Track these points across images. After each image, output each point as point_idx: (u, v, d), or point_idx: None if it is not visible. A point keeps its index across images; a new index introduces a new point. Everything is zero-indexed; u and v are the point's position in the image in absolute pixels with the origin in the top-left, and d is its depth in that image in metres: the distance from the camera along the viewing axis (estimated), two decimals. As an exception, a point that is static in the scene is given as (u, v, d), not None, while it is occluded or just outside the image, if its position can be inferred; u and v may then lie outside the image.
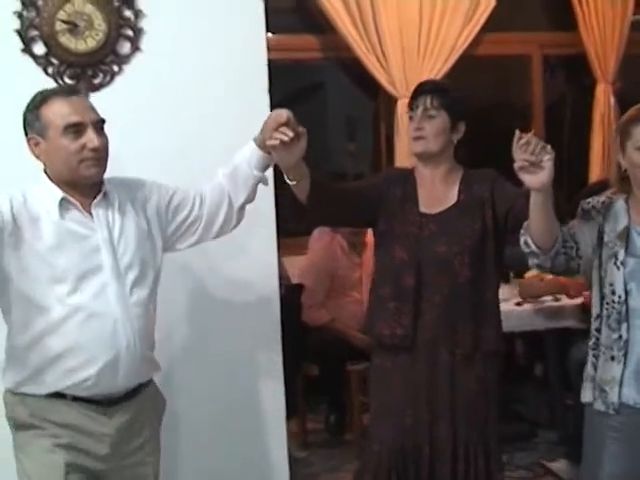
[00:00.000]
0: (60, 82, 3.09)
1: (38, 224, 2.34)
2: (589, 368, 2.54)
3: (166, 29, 3.19)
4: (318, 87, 6.41)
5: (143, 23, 3.17)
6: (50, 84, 3.00)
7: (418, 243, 2.86)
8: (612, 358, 2.46)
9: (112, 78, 3.16)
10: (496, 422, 2.92)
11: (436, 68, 5.22)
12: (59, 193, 2.38)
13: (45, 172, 2.42)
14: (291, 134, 2.45)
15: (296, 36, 5.47)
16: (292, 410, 3.76)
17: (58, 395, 2.39)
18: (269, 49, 3.35)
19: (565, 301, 4.43)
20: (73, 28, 3.08)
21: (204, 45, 3.23)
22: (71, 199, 2.39)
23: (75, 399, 2.39)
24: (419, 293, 2.84)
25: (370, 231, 3.63)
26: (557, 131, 6.05)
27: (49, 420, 2.38)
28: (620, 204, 2.51)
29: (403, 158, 5.06)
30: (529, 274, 4.52)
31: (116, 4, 3.13)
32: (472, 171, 2.95)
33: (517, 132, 2.31)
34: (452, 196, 2.90)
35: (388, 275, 2.91)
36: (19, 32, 3.07)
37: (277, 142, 2.46)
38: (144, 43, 3.18)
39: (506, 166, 2.36)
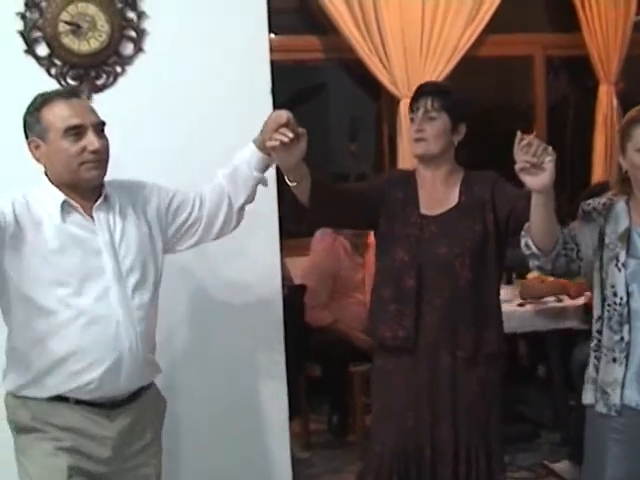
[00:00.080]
0: (63, 83, 3.10)
1: (40, 227, 2.34)
2: (590, 370, 2.54)
3: (169, 30, 3.20)
4: (320, 88, 6.41)
5: (146, 24, 3.18)
6: (53, 85, 3.00)
7: (419, 245, 2.86)
8: (614, 360, 2.46)
9: (115, 79, 3.16)
10: (498, 423, 2.92)
11: (438, 69, 5.22)
12: (61, 196, 2.37)
13: (46, 175, 2.42)
14: (291, 135, 2.45)
15: (299, 37, 5.48)
16: (295, 411, 3.76)
17: (60, 398, 2.38)
18: (272, 50, 3.35)
19: (568, 302, 4.42)
20: (76, 29, 3.08)
21: (207, 46, 3.23)
22: (72, 202, 2.38)
23: (77, 402, 2.39)
24: (420, 295, 2.84)
25: (372, 232, 3.63)
26: (560, 132, 6.05)
27: (51, 423, 2.38)
28: (621, 205, 2.50)
29: (406, 159, 5.06)
30: (531, 275, 4.52)
31: (119, 5, 3.13)
32: (473, 173, 2.95)
33: (518, 134, 2.31)
34: (453, 198, 2.90)
35: (389, 277, 2.91)
36: (22, 33, 3.07)
37: (277, 143, 2.46)
38: (147, 44, 3.18)
39: (508, 167, 2.36)
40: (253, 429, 3.38)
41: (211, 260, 3.20)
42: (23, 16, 3.07)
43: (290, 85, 5.58)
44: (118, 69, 3.16)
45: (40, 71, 3.10)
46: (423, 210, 2.90)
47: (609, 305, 2.47)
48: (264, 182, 2.68)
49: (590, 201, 2.54)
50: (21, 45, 3.08)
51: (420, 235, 2.86)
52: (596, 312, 2.54)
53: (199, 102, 3.22)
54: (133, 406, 2.47)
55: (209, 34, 3.24)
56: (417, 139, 2.90)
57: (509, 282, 4.67)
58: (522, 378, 5.00)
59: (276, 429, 3.41)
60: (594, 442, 2.54)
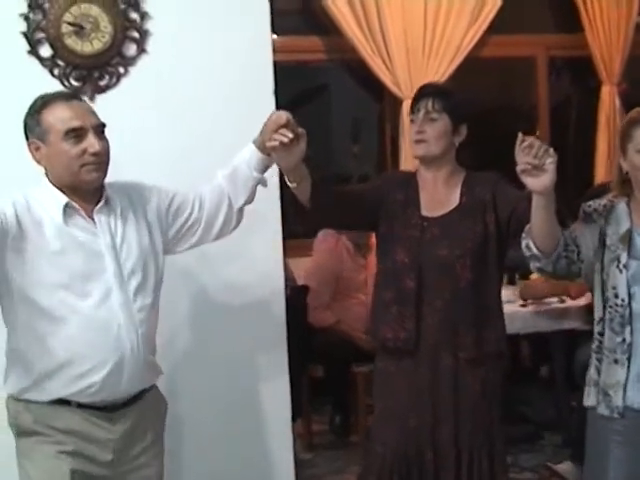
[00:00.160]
0: (66, 84, 3.10)
1: (41, 229, 2.33)
2: (592, 372, 2.53)
3: (172, 31, 3.20)
4: (323, 89, 6.41)
5: (149, 25, 3.18)
6: (56, 86, 3.00)
7: (419, 246, 2.85)
8: (616, 361, 2.46)
9: (118, 80, 3.17)
10: (500, 423, 2.92)
11: (441, 69, 5.22)
12: (63, 198, 2.37)
13: (46, 176, 2.42)
14: (290, 135, 2.45)
15: (301, 38, 5.49)
16: (297, 411, 3.76)
17: (62, 402, 2.38)
18: (274, 51, 3.35)
19: (570, 303, 4.42)
20: (79, 30, 3.08)
21: (210, 47, 3.24)
22: (75, 205, 2.38)
23: (79, 406, 2.38)
24: (420, 296, 2.84)
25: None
26: (562, 133, 6.05)
27: (53, 427, 2.37)
28: (622, 207, 2.50)
29: (408, 160, 5.05)
30: (534, 276, 4.52)
31: (122, 6, 3.14)
32: (474, 174, 2.95)
33: (520, 135, 2.31)
34: (454, 199, 2.90)
35: (389, 278, 2.90)
36: (25, 34, 3.08)
37: (276, 143, 2.46)
38: (150, 45, 3.18)
39: (511, 168, 2.36)
40: (255, 430, 3.38)
41: (214, 261, 3.20)
42: (26, 17, 3.07)
43: (293, 86, 5.58)
44: (121, 70, 3.16)
45: (43, 72, 3.10)
46: (424, 212, 2.90)
47: (610, 307, 2.46)
48: (264, 183, 2.68)
49: (591, 202, 2.53)
50: (24, 46, 3.08)
51: (421, 237, 2.86)
52: (597, 314, 2.53)
53: (202, 103, 3.22)
54: (134, 408, 2.46)
55: (212, 35, 3.24)
56: (417, 140, 2.90)
57: (512, 283, 4.67)
58: (525, 379, 5.00)
59: (279, 430, 3.41)
60: (596, 444, 2.54)
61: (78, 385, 2.36)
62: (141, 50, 3.18)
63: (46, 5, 3.07)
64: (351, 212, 2.93)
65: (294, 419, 3.54)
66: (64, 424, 2.37)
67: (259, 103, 3.17)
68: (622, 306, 2.44)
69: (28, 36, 3.08)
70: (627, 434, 2.45)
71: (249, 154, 2.61)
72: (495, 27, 5.36)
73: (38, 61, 3.10)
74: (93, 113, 2.41)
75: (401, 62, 5.16)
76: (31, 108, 2.40)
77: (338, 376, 4.66)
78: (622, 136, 2.47)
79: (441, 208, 2.89)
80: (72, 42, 3.09)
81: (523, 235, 2.47)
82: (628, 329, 2.43)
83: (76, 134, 2.34)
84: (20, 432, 2.42)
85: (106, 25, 3.11)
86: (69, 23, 3.08)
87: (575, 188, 5.05)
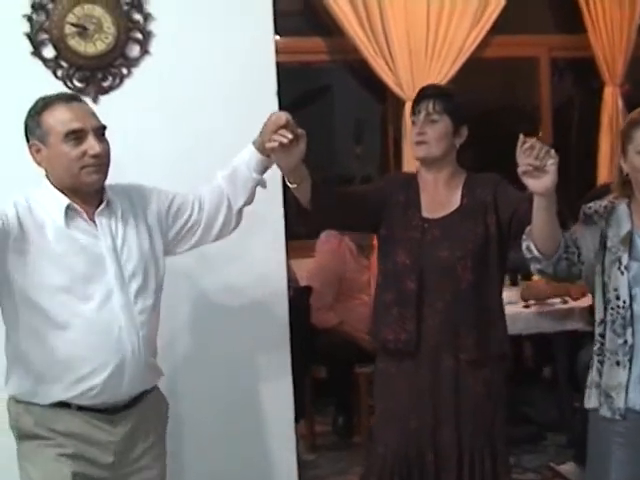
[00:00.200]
0: (69, 85, 3.11)
1: (43, 230, 2.33)
2: (594, 374, 2.53)
3: (175, 32, 3.20)
4: (325, 90, 6.41)
5: (152, 26, 3.18)
6: (59, 87, 3.01)
7: (420, 248, 2.85)
8: (617, 363, 2.45)
9: (121, 81, 3.17)
10: (503, 425, 2.91)
11: (444, 70, 5.22)
12: (64, 200, 2.37)
13: (47, 178, 2.41)
14: (290, 136, 2.45)
15: (304, 39, 5.48)
16: (300, 412, 3.76)
17: (63, 404, 2.37)
18: (277, 52, 3.36)
19: (573, 303, 4.42)
20: (82, 31, 3.09)
21: (213, 48, 3.24)
22: (76, 207, 2.38)
23: (80, 408, 2.38)
24: (421, 298, 2.83)
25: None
26: (565, 134, 6.05)
27: (54, 430, 2.37)
28: (622, 208, 2.49)
29: (411, 161, 5.03)
30: (537, 277, 4.52)
31: (125, 7, 3.14)
32: (475, 175, 2.94)
33: (521, 136, 2.31)
34: (455, 200, 2.89)
35: (390, 280, 2.90)
36: (29, 35, 3.08)
37: (276, 144, 2.46)
38: (153, 46, 3.19)
39: (514, 168, 2.36)
40: (258, 431, 3.38)
41: (217, 262, 3.20)
42: (29, 18, 3.08)
43: (295, 87, 5.58)
44: (124, 71, 3.17)
45: (46, 73, 3.11)
46: (425, 213, 2.89)
47: (612, 308, 2.46)
48: (263, 184, 2.68)
49: (591, 204, 2.53)
50: (28, 47, 3.09)
51: (422, 238, 2.86)
52: (598, 315, 2.53)
53: (205, 104, 3.23)
54: (135, 411, 2.46)
55: (214, 36, 3.24)
56: (418, 142, 2.89)
57: (514, 284, 4.67)
58: (527, 380, 5.00)
59: (282, 431, 3.41)
60: (598, 446, 2.53)
61: (79, 388, 2.36)
62: (144, 51, 3.18)
63: (49, 6, 3.07)
64: (353, 213, 2.93)
65: (297, 420, 3.54)
66: (64, 427, 2.37)
67: (262, 104, 3.17)
68: (624, 308, 2.43)
69: (31, 37, 3.09)
70: (629, 436, 2.45)
71: (248, 155, 2.62)
72: (498, 28, 5.35)
73: (41, 62, 3.10)
74: (94, 115, 2.41)
75: (404, 63, 5.16)
76: (32, 110, 2.40)
77: (341, 377, 4.66)
78: (622, 137, 2.47)
79: (442, 210, 2.89)
80: (75, 43, 3.09)
81: (524, 237, 2.46)
82: (630, 331, 2.43)
83: (76, 136, 2.34)
84: (21, 435, 2.42)
85: (109, 26, 3.11)
86: (72, 24, 3.08)
87: (578, 189, 5.04)
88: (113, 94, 3.16)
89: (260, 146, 2.57)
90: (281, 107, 3.16)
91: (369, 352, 4.17)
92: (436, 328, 2.83)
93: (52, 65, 3.11)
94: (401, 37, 5.14)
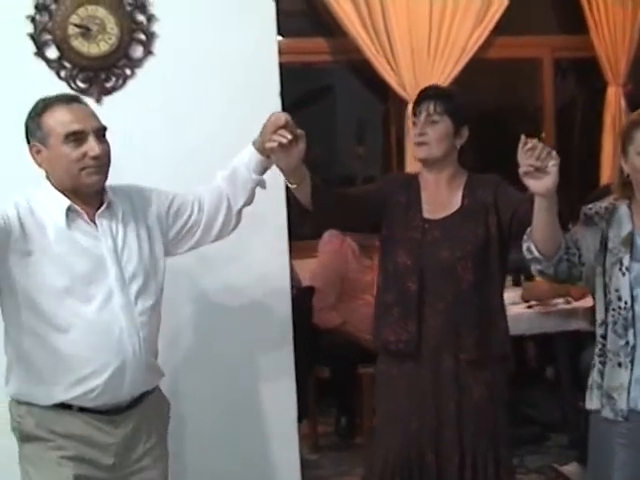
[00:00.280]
0: (73, 86, 3.11)
1: (44, 231, 2.33)
2: (595, 375, 2.53)
3: (178, 33, 3.21)
4: (328, 90, 6.41)
5: (155, 27, 3.19)
6: (63, 88, 3.01)
7: (421, 248, 2.85)
8: (619, 364, 2.45)
9: (124, 82, 3.18)
10: (505, 427, 2.91)
11: (446, 71, 5.22)
12: (65, 201, 2.37)
13: (48, 180, 2.41)
14: (289, 136, 2.46)
15: (306, 39, 5.49)
16: (303, 412, 3.76)
17: (64, 406, 2.37)
18: (280, 52, 3.36)
19: (576, 304, 4.42)
20: (86, 32, 3.09)
21: (216, 49, 3.24)
22: (77, 208, 2.38)
23: (81, 410, 2.38)
24: (422, 299, 2.83)
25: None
26: (568, 134, 6.05)
27: (55, 431, 2.37)
28: (623, 209, 2.49)
29: (413, 161, 4.97)
30: (539, 278, 4.51)
31: (129, 8, 3.15)
32: (476, 176, 2.94)
33: (522, 137, 2.31)
34: (456, 201, 2.89)
35: (391, 281, 2.90)
36: (32, 36, 3.09)
37: (275, 144, 2.47)
38: (156, 47, 3.19)
39: (516, 169, 2.36)
40: (261, 431, 3.39)
41: (219, 263, 3.20)
42: (33, 19, 3.08)
43: (298, 87, 5.58)
44: (127, 72, 3.17)
45: (50, 74, 3.11)
46: (426, 214, 2.90)
47: (614, 309, 2.46)
48: (263, 185, 2.68)
49: (592, 205, 2.53)
50: (31, 48, 3.09)
51: (422, 239, 2.86)
52: (599, 317, 2.52)
53: (208, 104, 3.23)
54: (136, 411, 2.46)
55: (218, 37, 3.25)
56: (419, 143, 2.90)
57: (517, 284, 4.66)
58: (530, 380, 4.99)
59: (284, 431, 3.41)
60: (600, 447, 2.52)
61: (80, 389, 2.36)
62: (147, 52, 3.18)
63: (52, 7, 3.08)
64: (353, 214, 2.93)
65: (300, 420, 3.54)
66: (65, 429, 2.37)
67: (265, 104, 3.17)
68: (625, 309, 2.43)
69: (35, 38, 3.09)
70: (631, 437, 2.45)
71: (248, 156, 2.62)
72: (500, 28, 5.35)
73: (45, 63, 3.11)
74: (94, 116, 2.41)
75: (406, 63, 5.16)
76: (32, 111, 2.40)
77: (344, 377, 4.66)
78: (623, 138, 2.46)
79: (443, 210, 2.89)
80: (78, 44, 3.10)
81: (524, 238, 2.46)
82: (631, 332, 2.43)
83: (76, 137, 2.34)
84: (23, 437, 2.42)
85: (112, 27, 3.12)
86: (76, 25, 3.08)
87: (580, 189, 5.04)
88: (116, 95, 3.16)
89: (260, 147, 2.58)
90: (284, 107, 3.16)
91: (372, 352, 4.16)
92: (437, 328, 2.83)
93: (55, 66, 3.11)
94: (403, 37, 5.13)
